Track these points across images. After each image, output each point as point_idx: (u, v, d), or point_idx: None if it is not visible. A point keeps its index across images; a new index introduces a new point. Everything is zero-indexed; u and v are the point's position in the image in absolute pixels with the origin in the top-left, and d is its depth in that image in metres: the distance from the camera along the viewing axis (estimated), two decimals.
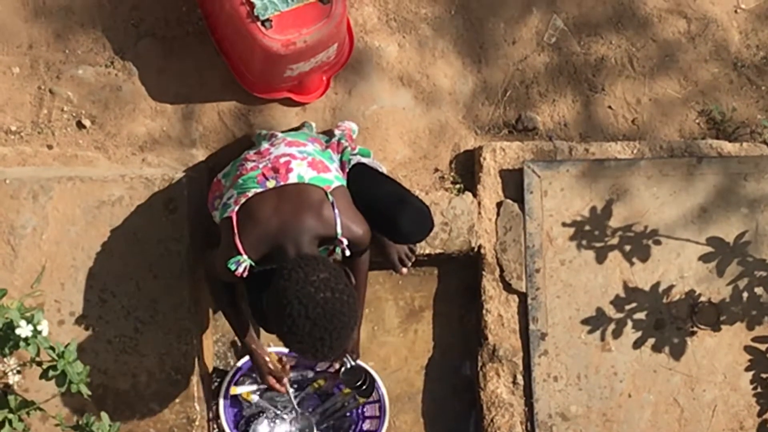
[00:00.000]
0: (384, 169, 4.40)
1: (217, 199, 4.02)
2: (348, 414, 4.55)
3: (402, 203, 3.98)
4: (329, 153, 4.06)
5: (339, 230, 3.71)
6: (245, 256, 3.68)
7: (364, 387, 4.29)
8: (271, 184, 3.77)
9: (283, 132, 4.18)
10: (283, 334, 3.53)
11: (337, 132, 4.25)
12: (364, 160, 4.20)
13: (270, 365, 4.17)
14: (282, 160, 3.84)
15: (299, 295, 3.44)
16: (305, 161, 3.85)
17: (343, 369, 4.26)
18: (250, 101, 4.54)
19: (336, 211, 3.71)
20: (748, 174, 4.64)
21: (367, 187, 4.02)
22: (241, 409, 4.46)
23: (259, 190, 3.77)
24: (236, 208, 3.74)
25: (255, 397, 4.42)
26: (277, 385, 4.20)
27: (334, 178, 3.85)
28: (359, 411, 4.52)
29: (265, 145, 4.03)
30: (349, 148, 4.12)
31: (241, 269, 3.68)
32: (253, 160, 3.94)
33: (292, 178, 3.77)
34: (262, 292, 3.63)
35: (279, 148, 3.95)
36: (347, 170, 4.06)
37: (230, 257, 3.69)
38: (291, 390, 4.41)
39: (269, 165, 3.83)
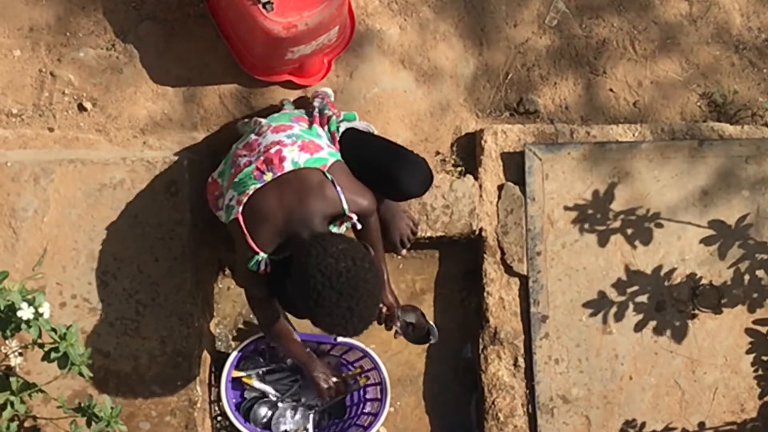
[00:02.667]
0: (374, 129, 4.39)
1: (219, 199, 4.01)
2: (349, 396, 4.56)
3: (398, 159, 3.99)
4: (315, 129, 4.04)
5: (345, 206, 3.71)
6: (261, 254, 3.68)
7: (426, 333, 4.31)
8: (268, 176, 3.76)
9: (265, 118, 4.14)
10: (311, 311, 3.51)
11: (316, 103, 4.23)
12: (351, 124, 4.20)
13: (331, 380, 4.20)
14: (273, 150, 3.82)
15: (321, 268, 3.44)
16: (296, 145, 3.84)
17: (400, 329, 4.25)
18: (251, 84, 4.53)
19: (338, 188, 3.72)
20: (750, 157, 4.64)
21: (361, 149, 4.02)
22: (242, 392, 4.47)
23: (258, 185, 3.76)
24: (240, 209, 3.75)
25: (256, 382, 4.43)
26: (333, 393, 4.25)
27: (327, 155, 3.85)
28: (360, 393, 4.52)
29: (252, 137, 4.01)
30: (334, 117, 4.10)
31: (262, 267, 3.69)
32: (245, 155, 3.93)
33: (288, 166, 3.77)
34: (285, 279, 3.63)
35: (266, 137, 3.94)
36: (338, 139, 4.06)
37: (248, 259, 3.70)
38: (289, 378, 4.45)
39: (261, 158, 3.82)
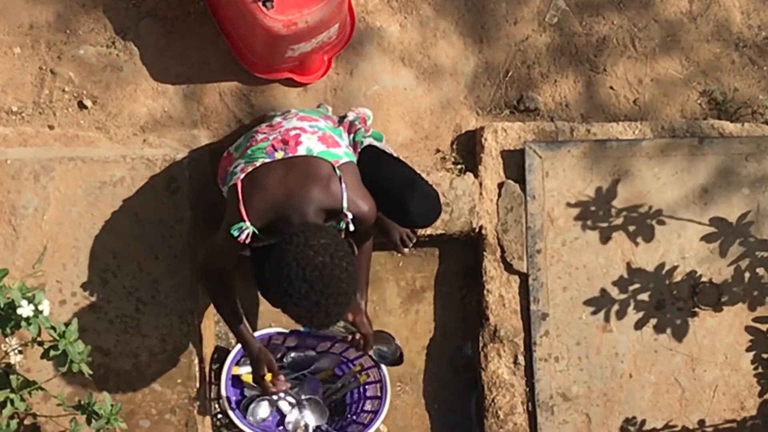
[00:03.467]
0: (396, 153, 4.39)
1: (228, 171, 4.01)
2: (349, 394, 4.56)
3: (412, 187, 3.99)
4: (340, 131, 4.07)
5: (345, 204, 3.72)
6: (248, 223, 3.68)
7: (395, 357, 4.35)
8: (279, 155, 3.77)
9: (298, 109, 4.17)
10: (280, 297, 3.53)
11: (350, 115, 4.25)
12: (376, 143, 4.21)
13: (264, 356, 4.16)
14: (292, 132, 3.85)
15: (298, 258, 3.45)
16: (315, 135, 3.86)
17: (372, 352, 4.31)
18: (251, 82, 4.53)
19: (343, 185, 3.72)
20: (750, 154, 4.64)
21: (378, 168, 4.03)
22: (242, 390, 4.47)
23: (267, 160, 3.77)
24: (242, 176, 3.75)
25: None
26: (269, 384, 4.16)
27: (343, 153, 3.86)
28: (360, 391, 4.52)
29: (277, 119, 4.04)
30: (362, 130, 4.12)
31: (243, 236, 3.68)
32: (264, 133, 3.94)
33: (301, 151, 3.78)
34: (265, 262, 3.64)
35: (291, 121, 3.96)
36: (359, 151, 4.06)
37: (233, 224, 3.69)
38: (288, 377, 4.45)
39: (279, 137, 3.84)
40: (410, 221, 4.06)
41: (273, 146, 3.81)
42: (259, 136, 3.93)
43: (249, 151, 3.86)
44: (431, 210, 4.05)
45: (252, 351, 4.10)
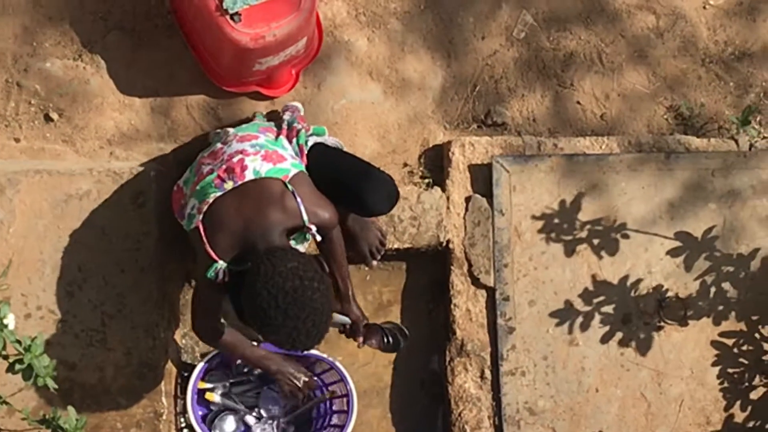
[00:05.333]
0: (342, 145, 4.41)
1: (184, 208, 4.01)
2: (315, 408, 4.55)
3: (365, 175, 4.03)
4: (281, 141, 4.05)
5: (305, 218, 3.73)
6: (220, 262, 3.69)
7: (393, 341, 4.33)
8: (229, 185, 3.78)
9: (235, 128, 4.16)
10: (259, 328, 3.58)
11: (286, 116, 4.25)
12: (320, 139, 4.22)
13: (291, 363, 4.23)
14: (236, 159, 3.84)
15: (268, 287, 3.47)
16: (259, 155, 3.86)
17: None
18: (218, 95, 4.53)
19: (298, 199, 3.73)
20: (716, 169, 4.66)
21: (329, 165, 4.06)
22: (209, 404, 4.45)
23: (219, 193, 3.77)
24: (200, 217, 3.76)
25: (218, 397, 4.41)
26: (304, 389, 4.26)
27: (290, 166, 3.86)
28: (327, 405, 4.52)
29: (218, 145, 4.03)
30: (303, 131, 4.12)
31: (220, 276, 3.69)
32: (208, 163, 3.94)
33: (249, 175, 3.78)
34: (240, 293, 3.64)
35: (231, 145, 3.95)
36: (306, 153, 4.07)
37: (207, 267, 3.70)
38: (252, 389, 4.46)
39: (224, 166, 3.83)
40: (369, 210, 4.10)
41: (220, 177, 3.81)
42: (205, 168, 3.92)
43: (198, 188, 3.86)
44: (388, 194, 4.09)
45: (274, 367, 4.20)
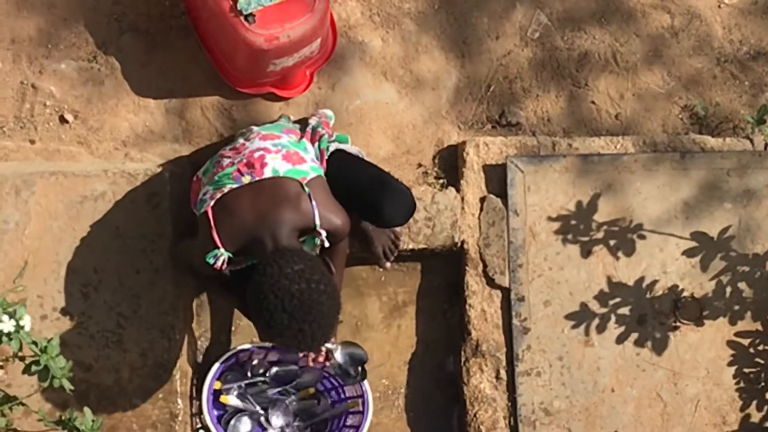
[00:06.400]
0: (364, 154, 4.40)
1: (198, 196, 4.01)
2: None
3: (383, 186, 4.01)
4: (304, 143, 4.05)
5: (317, 222, 3.73)
6: (222, 250, 3.69)
7: (356, 374, 4.29)
8: (246, 179, 3.78)
9: (259, 126, 4.17)
10: (264, 329, 3.58)
11: (312, 120, 4.25)
12: (342, 146, 4.21)
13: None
14: (256, 155, 3.84)
15: (274, 289, 3.47)
16: (279, 154, 3.86)
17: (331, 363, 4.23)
18: (233, 96, 4.53)
19: (313, 203, 3.73)
20: (731, 169, 4.65)
21: (347, 172, 4.05)
22: (224, 405, 4.45)
23: (235, 185, 3.78)
24: (212, 203, 3.76)
25: (232, 399, 4.40)
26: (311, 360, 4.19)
27: (309, 169, 3.86)
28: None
29: (240, 140, 4.03)
30: (326, 136, 4.12)
31: (219, 263, 3.69)
32: (229, 157, 3.94)
33: (267, 173, 3.78)
34: (245, 287, 3.64)
35: (253, 142, 3.95)
36: (326, 158, 4.07)
37: (208, 251, 3.70)
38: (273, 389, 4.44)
39: (244, 161, 3.84)
40: (385, 221, 4.10)
41: (239, 171, 3.81)
42: (225, 161, 3.92)
43: (216, 177, 3.86)
44: (405, 207, 4.08)
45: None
